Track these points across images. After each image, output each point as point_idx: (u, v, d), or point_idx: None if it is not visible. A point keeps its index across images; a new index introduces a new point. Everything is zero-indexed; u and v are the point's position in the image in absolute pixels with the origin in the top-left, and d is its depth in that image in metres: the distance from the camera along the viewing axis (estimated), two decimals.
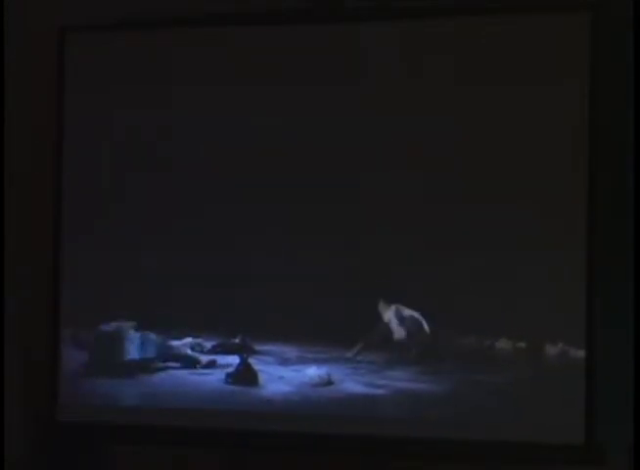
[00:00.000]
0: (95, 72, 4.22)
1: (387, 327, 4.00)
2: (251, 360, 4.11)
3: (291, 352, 4.10)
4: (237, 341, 4.13)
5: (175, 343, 4.20)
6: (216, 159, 4.12)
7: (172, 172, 4.15)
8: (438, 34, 3.92)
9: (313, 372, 4.05)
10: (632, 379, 3.54)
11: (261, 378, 4.10)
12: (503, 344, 3.83)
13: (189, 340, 4.19)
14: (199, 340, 4.18)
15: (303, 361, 4.07)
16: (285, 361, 4.10)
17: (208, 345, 4.18)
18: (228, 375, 4.13)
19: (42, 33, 4.29)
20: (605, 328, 3.74)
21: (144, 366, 4.19)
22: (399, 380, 3.98)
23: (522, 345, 3.81)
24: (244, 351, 4.12)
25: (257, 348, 4.12)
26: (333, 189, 3.99)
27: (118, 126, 4.20)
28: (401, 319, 3.98)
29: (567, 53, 3.79)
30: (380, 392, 3.98)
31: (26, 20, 4.33)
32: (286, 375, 4.09)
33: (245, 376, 4.11)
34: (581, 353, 3.74)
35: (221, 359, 4.16)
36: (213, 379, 4.15)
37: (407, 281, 3.94)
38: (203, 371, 4.17)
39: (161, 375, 4.19)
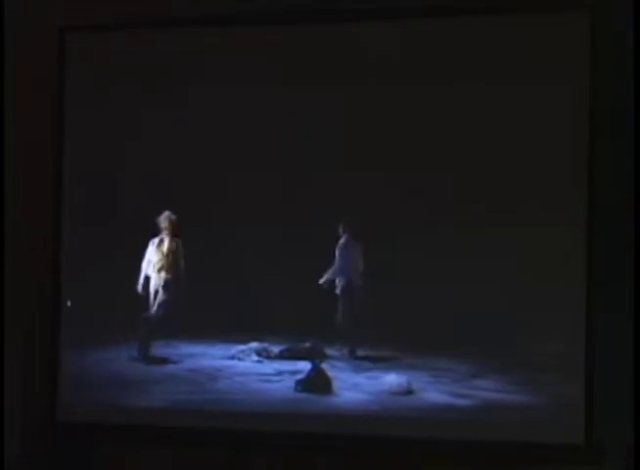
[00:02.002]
0: (95, 72, 4.23)
1: None
2: (324, 366, 3.89)
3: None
4: (307, 345, 3.92)
5: (240, 347, 4.00)
6: (216, 157, 4.11)
7: (172, 171, 4.15)
8: (438, 34, 3.93)
9: (393, 379, 3.84)
10: (632, 379, 3.54)
11: (334, 385, 3.89)
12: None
13: (254, 344, 3.98)
14: (264, 344, 3.97)
15: (380, 368, 3.87)
16: (359, 367, 3.90)
17: (276, 350, 3.97)
18: (298, 382, 3.91)
19: (42, 33, 4.29)
20: (605, 328, 3.74)
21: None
22: (486, 390, 3.79)
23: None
24: (315, 356, 3.89)
25: (330, 352, 3.91)
26: (335, 189, 4.00)
27: (118, 126, 4.21)
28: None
29: (567, 53, 3.80)
30: (465, 402, 3.80)
31: (26, 20, 4.33)
32: (361, 382, 3.87)
33: (317, 383, 3.88)
34: (581, 354, 3.74)
35: (290, 365, 3.94)
36: (282, 386, 3.94)
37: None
38: (271, 377, 3.95)
39: (226, 381, 3.99)
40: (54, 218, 4.24)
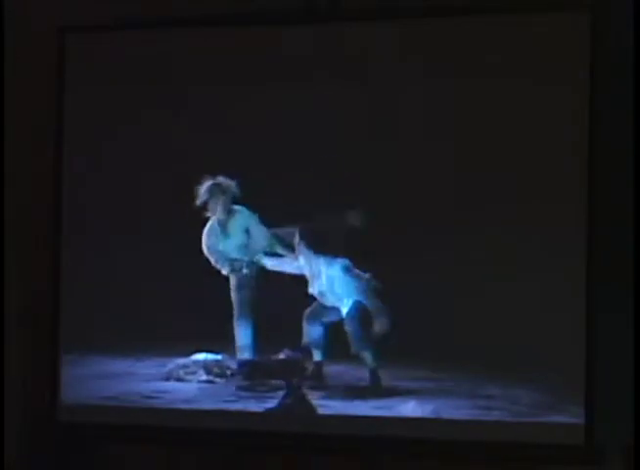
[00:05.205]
0: (95, 72, 4.23)
1: None
2: (306, 390, 2.92)
3: None
4: (282, 357, 2.95)
5: (180, 361, 3.03)
6: (216, 157, 4.12)
7: (173, 171, 4.15)
8: (438, 34, 3.93)
9: (411, 409, 2.97)
10: (632, 379, 3.54)
11: (322, 416, 2.92)
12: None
13: (201, 357, 3.04)
14: (217, 357, 3.04)
15: (395, 392, 3.02)
16: (362, 392, 2.98)
17: (234, 365, 3.01)
18: (268, 411, 2.90)
19: (42, 33, 4.29)
20: (605, 328, 3.74)
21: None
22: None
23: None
24: (292, 373, 2.89)
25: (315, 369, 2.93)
26: (334, 188, 4.00)
27: (118, 126, 4.21)
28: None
29: (567, 53, 3.80)
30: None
31: (26, 20, 4.33)
32: (364, 413, 2.91)
33: (294, 412, 2.86)
34: (581, 354, 3.73)
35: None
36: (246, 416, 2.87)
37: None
38: (228, 405, 2.92)
39: (161, 413, 3.17)
40: (54, 218, 4.24)
